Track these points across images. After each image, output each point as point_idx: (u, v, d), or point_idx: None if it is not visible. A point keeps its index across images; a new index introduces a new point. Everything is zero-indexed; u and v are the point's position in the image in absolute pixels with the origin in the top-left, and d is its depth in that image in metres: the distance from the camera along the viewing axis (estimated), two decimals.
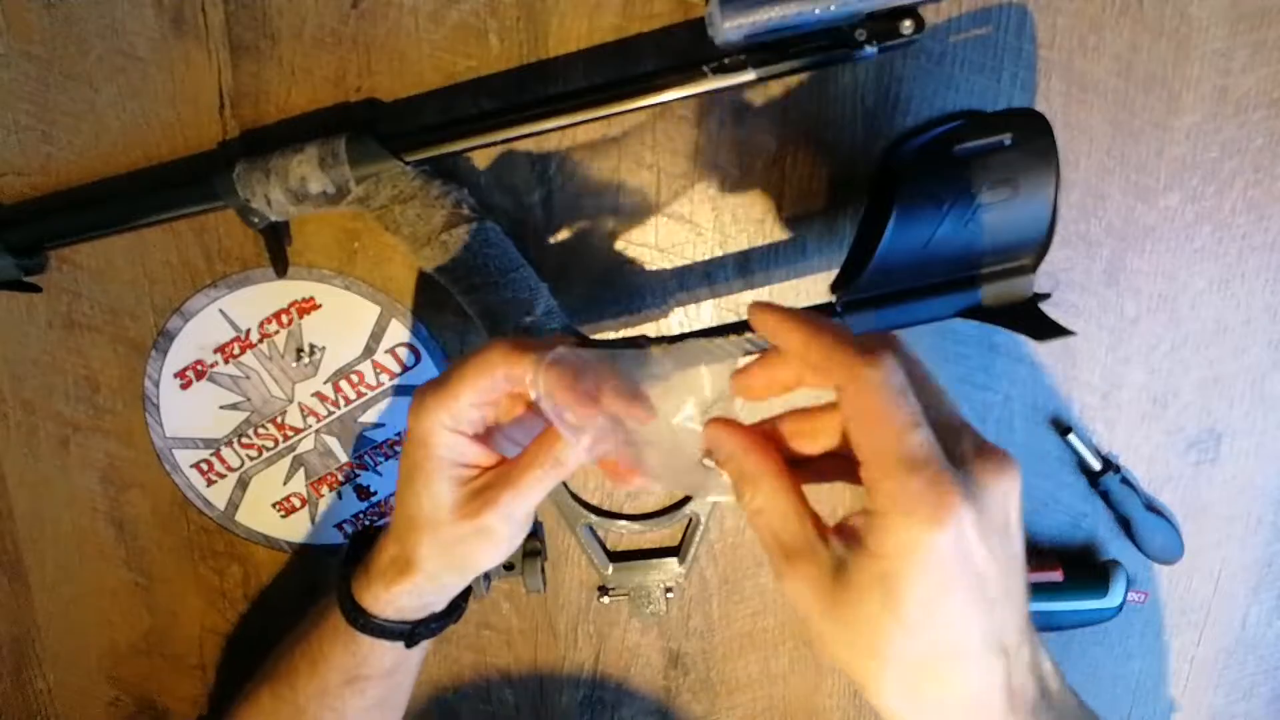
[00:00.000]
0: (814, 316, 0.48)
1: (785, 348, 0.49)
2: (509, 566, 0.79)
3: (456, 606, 0.67)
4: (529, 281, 0.69)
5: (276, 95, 0.72)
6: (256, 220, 0.69)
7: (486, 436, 0.57)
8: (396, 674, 0.69)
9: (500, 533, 0.57)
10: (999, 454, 0.43)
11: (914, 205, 0.61)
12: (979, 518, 0.40)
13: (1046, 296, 0.65)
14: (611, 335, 0.75)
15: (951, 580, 0.41)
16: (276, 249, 0.72)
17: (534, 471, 0.55)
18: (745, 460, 0.49)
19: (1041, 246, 0.63)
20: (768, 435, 0.51)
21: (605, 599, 0.82)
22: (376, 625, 0.63)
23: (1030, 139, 0.61)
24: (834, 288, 0.70)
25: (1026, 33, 0.69)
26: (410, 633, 0.64)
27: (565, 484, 0.80)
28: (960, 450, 0.43)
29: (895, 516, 0.41)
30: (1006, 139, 0.61)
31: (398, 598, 0.62)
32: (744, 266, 0.75)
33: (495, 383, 0.53)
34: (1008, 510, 0.42)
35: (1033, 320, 0.63)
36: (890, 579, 0.41)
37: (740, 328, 0.67)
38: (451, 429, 0.55)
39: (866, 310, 0.65)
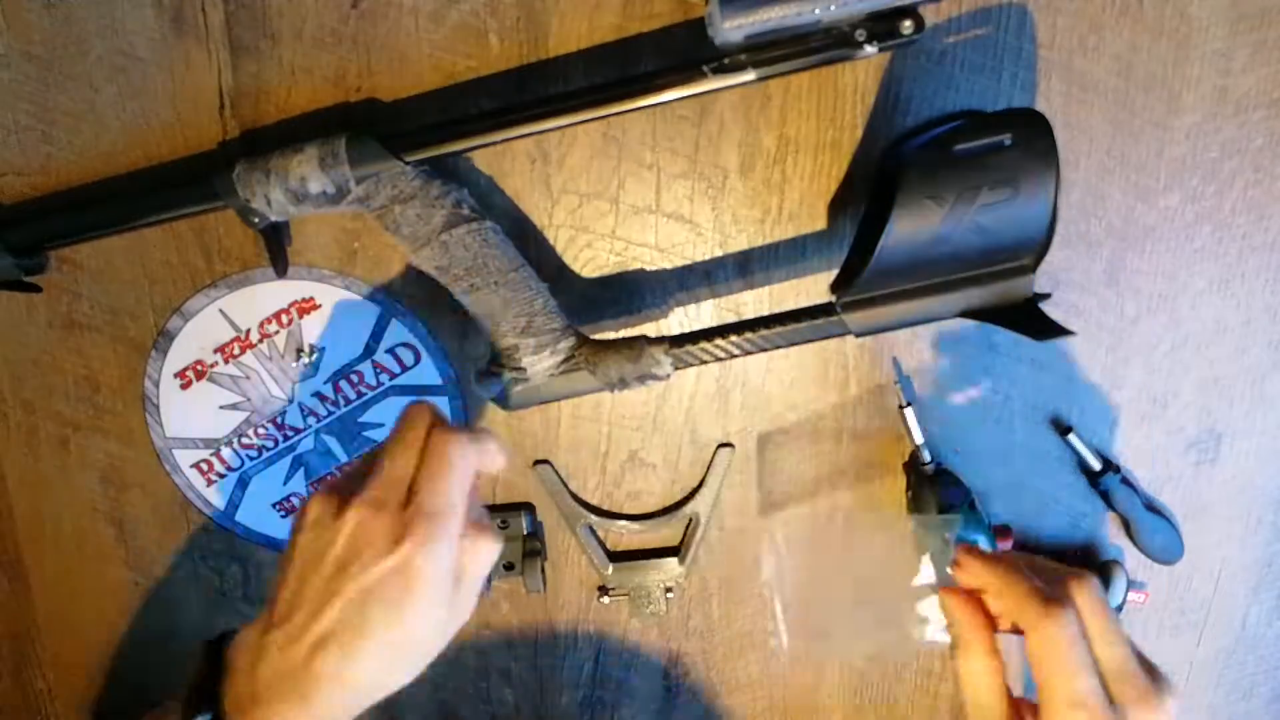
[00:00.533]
0: (1011, 565, 0.57)
1: (986, 590, 0.59)
2: (509, 566, 0.79)
3: None
4: (529, 281, 0.69)
5: (276, 95, 0.72)
6: (256, 220, 0.69)
7: None
8: None
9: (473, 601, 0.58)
10: (1153, 699, 0.53)
11: (914, 205, 0.61)
12: None
13: (1046, 296, 0.65)
14: (611, 335, 0.75)
15: None
16: (276, 249, 0.71)
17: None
18: (969, 629, 0.58)
19: (1041, 246, 0.63)
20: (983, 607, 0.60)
21: (605, 599, 0.82)
22: None
23: (1030, 139, 0.61)
24: (834, 287, 0.70)
25: (1026, 33, 0.69)
26: None
27: (565, 484, 0.80)
28: (1124, 692, 0.53)
29: None
30: (1006, 139, 0.61)
31: None
32: (744, 266, 0.75)
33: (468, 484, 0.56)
34: None
35: (1033, 320, 0.64)
36: None
37: (740, 328, 0.67)
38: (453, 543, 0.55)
39: (866, 310, 0.65)
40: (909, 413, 0.76)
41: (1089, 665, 0.53)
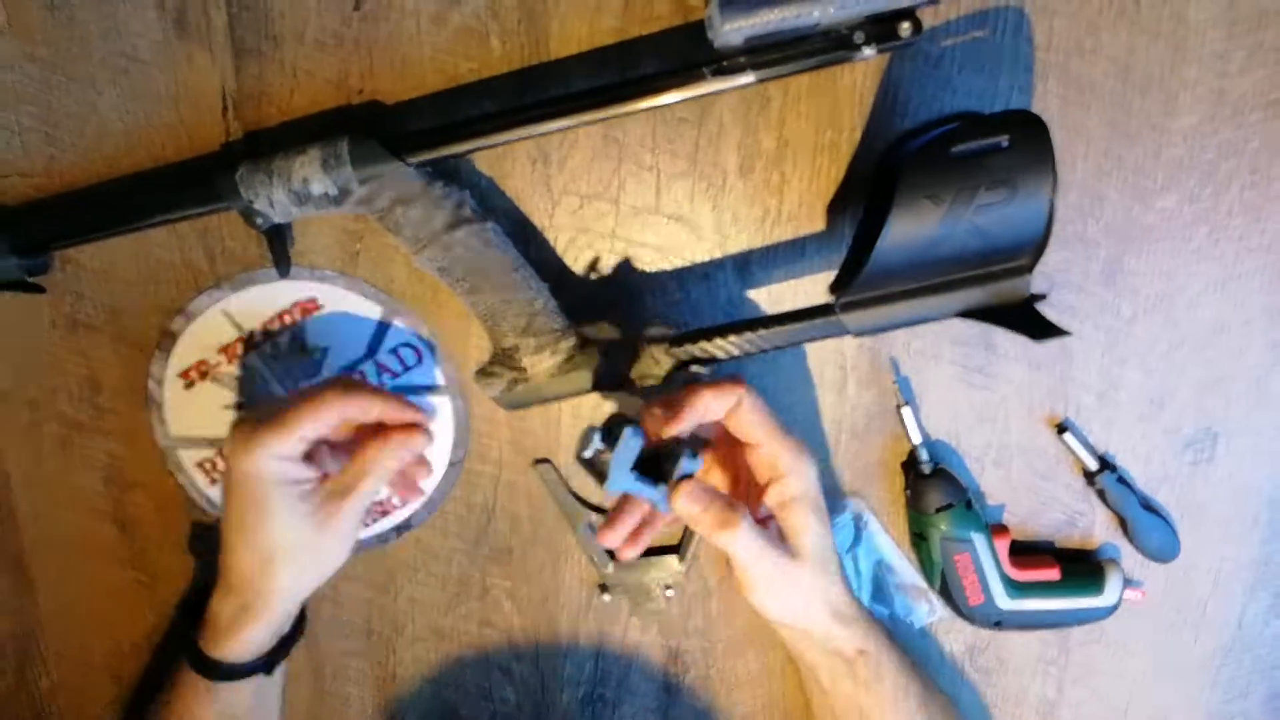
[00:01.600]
0: (678, 400, 0.65)
1: (691, 417, 0.65)
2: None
3: (299, 622, 0.75)
4: (530, 282, 0.69)
5: (279, 97, 0.72)
6: (259, 222, 0.69)
7: (309, 456, 0.67)
8: (263, 703, 0.73)
9: (351, 534, 0.68)
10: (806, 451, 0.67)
11: (912, 206, 0.61)
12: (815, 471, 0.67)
13: (1043, 297, 0.66)
14: (611, 336, 0.76)
15: (818, 504, 0.68)
16: (279, 250, 0.72)
17: (374, 475, 0.67)
18: (706, 519, 0.66)
19: (1038, 247, 0.63)
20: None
21: (605, 597, 0.83)
22: (234, 669, 0.69)
23: (1027, 140, 0.62)
24: (833, 288, 0.70)
25: (1024, 35, 0.70)
26: (268, 662, 0.71)
27: (565, 483, 0.80)
28: (787, 445, 0.67)
29: (802, 473, 0.66)
30: (1004, 140, 0.61)
31: (251, 639, 0.68)
32: (743, 267, 0.75)
33: (333, 417, 0.64)
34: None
35: (1030, 320, 0.64)
36: (810, 519, 0.67)
37: (739, 328, 0.67)
38: (282, 458, 0.64)
39: (864, 310, 0.65)
40: (906, 412, 0.76)
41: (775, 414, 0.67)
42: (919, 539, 0.79)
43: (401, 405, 0.68)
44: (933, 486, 0.76)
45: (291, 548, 0.66)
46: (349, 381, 0.67)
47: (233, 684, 0.70)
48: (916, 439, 0.76)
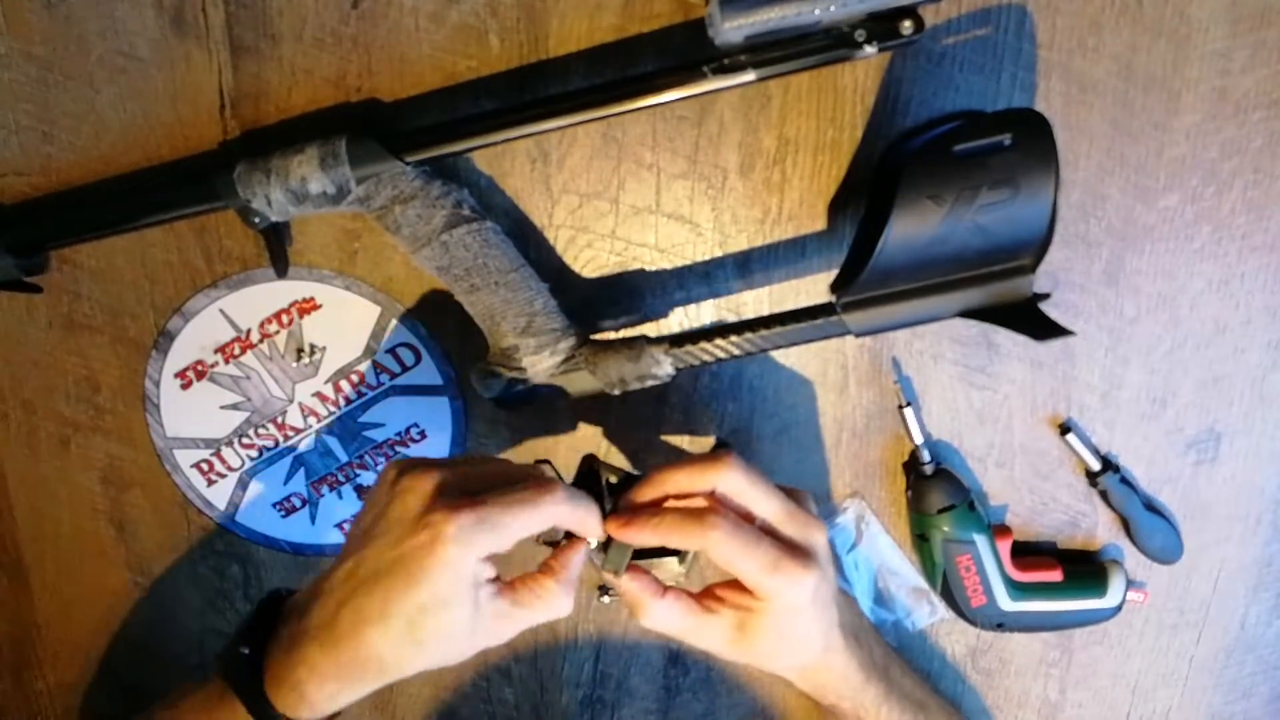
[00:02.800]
0: (651, 516, 0.62)
1: (651, 543, 0.63)
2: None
3: None
4: (529, 281, 0.69)
5: (277, 96, 0.72)
6: (257, 220, 0.69)
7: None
8: None
9: (505, 637, 0.61)
10: (812, 522, 0.63)
11: (914, 205, 0.61)
12: (820, 571, 0.62)
13: (1046, 296, 0.65)
14: (611, 336, 0.75)
15: (813, 610, 0.62)
16: (277, 249, 0.71)
17: (561, 605, 0.62)
18: (643, 594, 0.64)
19: (1041, 246, 0.63)
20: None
21: (605, 598, 0.82)
22: None
23: (1030, 139, 0.61)
24: (834, 288, 0.70)
25: (1026, 33, 0.69)
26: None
27: (565, 484, 0.80)
28: (796, 530, 0.62)
29: (776, 596, 0.61)
30: (1006, 139, 0.61)
31: (342, 705, 0.60)
32: (744, 267, 0.75)
33: (545, 525, 0.60)
34: (828, 550, 0.64)
35: (1032, 320, 0.64)
36: (781, 627, 0.63)
37: (739, 328, 0.67)
38: (487, 560, 0.58)
39: (866, 310, 0.65)
40: (909, 413, 0.76)
41: (759, 538, 0.61)
42: (921, 540, 0.78)
43: (589, 513, 0.62)
44: (935, 487, 0.76)
45: (449, 636, 0.58)
46: (567, 493, 0.60)
47: None
48: (918, 439, 0.76)
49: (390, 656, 0.57)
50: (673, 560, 0.78)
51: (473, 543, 0.55)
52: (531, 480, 0.60)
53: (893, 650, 0.76)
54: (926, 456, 0.76)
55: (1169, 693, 0.85)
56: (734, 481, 0.62)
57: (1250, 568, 0.81)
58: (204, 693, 0.63)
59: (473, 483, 0.59)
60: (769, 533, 0.62)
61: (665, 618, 0.64)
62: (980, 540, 0.76)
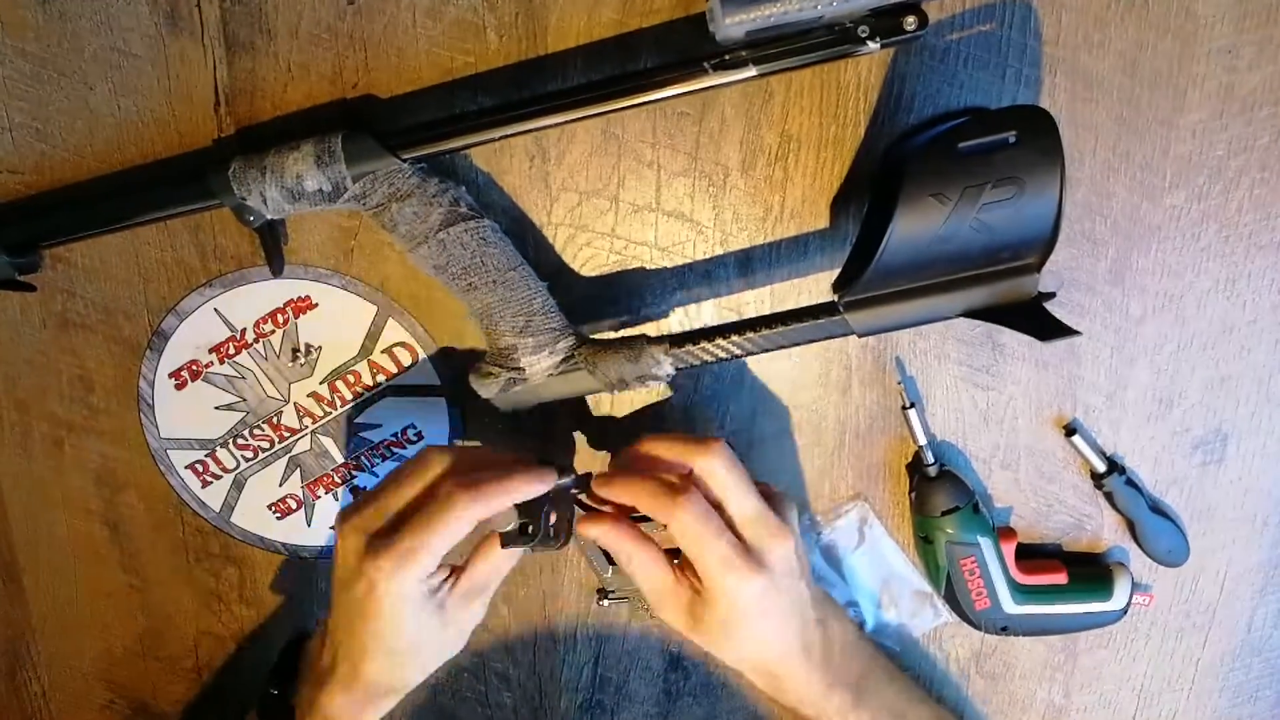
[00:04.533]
0: (632, 479, 0.65)
1: (625, 502, 0.66)
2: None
3: None
4: (528, 280, 0.68)
5: (272, 92, 0.71)
6: (252, 219, 0.68)
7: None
8: None
9: (480, 614, 0.70)
10: (778, 528, 0.64)
11: (917, 203, 0.60)
12: (771, 578, 0.63)
13: (1051, 296, 0.64)
14: (611, 335, 0.75)
15: (759, 614, 0.64)
16: (272, 247, 0.71)
17: (503, 570, 0.70)
18: (617, 541, 0.66)
19: (1047, 245, 0.62)
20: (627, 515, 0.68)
21: (605, 602, 0.82)
22: None
23: (1035, 136, 0.60)
24: (836, 287, 0.69)
25: (1031, 29, 0.69)
26: None
27: None
28: (759, 535, 0.64)
29: (721, 592, 0.63)
30: (1011, 136, 0.60)
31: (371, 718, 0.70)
32: (745, 265, 0.74)
33: (468, 528, 0.63)
34: (790, 561, 0.65)
35: (1038, 320, 0.63)
36: (727, 621, 0.64)
37: (741, 328, 0.66)
38: (423, 580, 0.64)
39: (869, 309, 0.64)
40: (912, 414, 0.75)
41: (721, 530, 0.63)
42: (924, 542, 0.77)
43: (526, 479, 0.65)
44: (939, 489, 0.75)
45: (426, 645, 0.68)
46: (472, 483, 0.63)
47: None
48: (922, 440, 0.75)
49: (395, 680, 0.68)
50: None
51: (403, 577, 0.62)
52: (448, 488, 0.63)
53: (882, 658, 0.74)
54: (930, 458, 0.75)
55: (1174, 697, 0.84)
56: (713, 469, 0.64)
57: (1257, 570, 0.81)
58: None
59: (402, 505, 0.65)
60: (734, 530, 0.64)
61: (643, 565, 0.66)
62: (985, 542, 0.75)
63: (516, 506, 0.65)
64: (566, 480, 0.68)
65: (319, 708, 0.68)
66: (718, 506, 0.64)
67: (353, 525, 0.64)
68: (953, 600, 0.78)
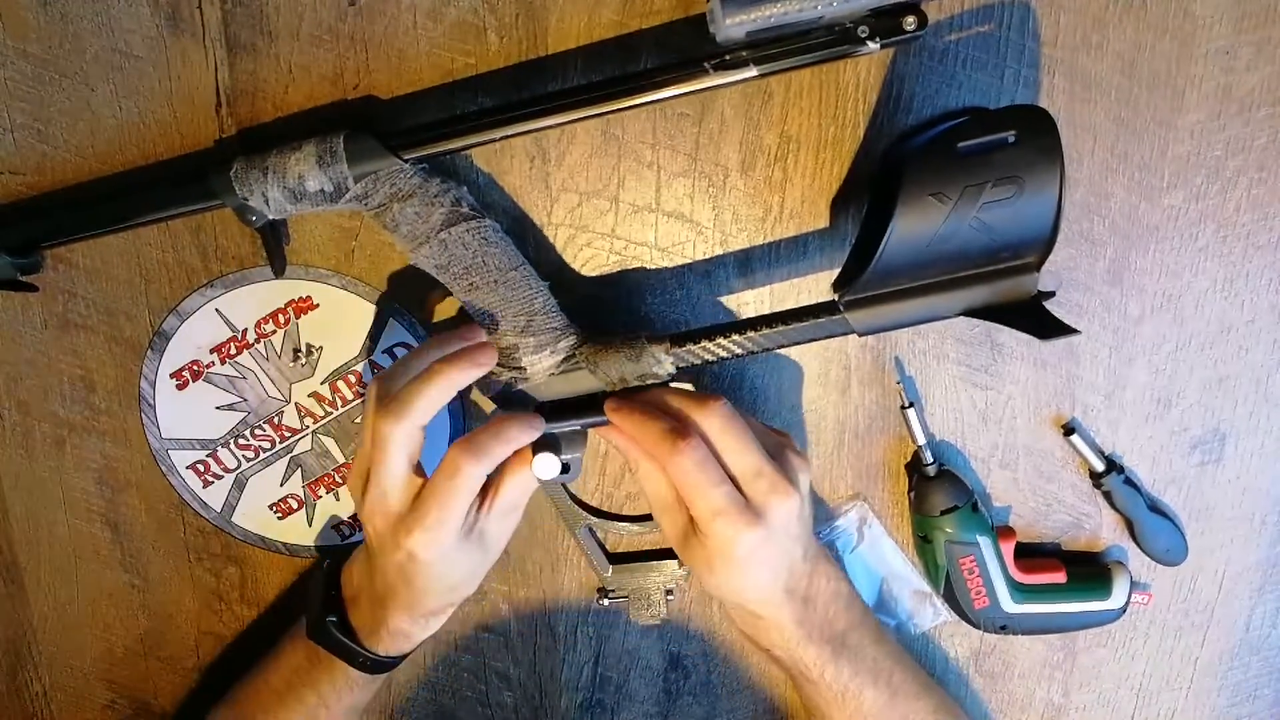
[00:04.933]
0: (643, 412, 0.66)
1: (628, 436, 0.67)
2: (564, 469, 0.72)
3: None
4: (529, 280, 0.68)
5: (274, 93, 0.71)
6: (254, 219, 0.68)
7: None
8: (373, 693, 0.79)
9: (516, 522, 0.71)
10: (783, 486, 0.64)
11: (917, 202, 0.60)
12: (767, 532, 0.64)
13: (1051, 295, 0.64)
14: (611, 335, 0.75)
15: (746, 561, 0.65)
16: (274, 248, 0.71)
17: (526, 489, 0.70)
18: (632, 450, 0.67)
19: (1046, 244, 0.62)
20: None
21: (605, 601, 0.82)
22: (399, 659, 0.74)
23: (1034, 135, 0.60)
24: (836, 286, 0.69)
25: (1029, 30, 0.69)
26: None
27: (565, 486, 0.79)
28: (758, 490, 0.64)
29: (711, 534, 0.64)
30: (1010, 136, 0.60)
31: (430, 632, 0.73)
32: (745, 266, 0.74)
33: (476, 485, 0.66)
34: (788, 521, 0.65)
35: (1037, 319, 0.63)
36: (712, 560, 0.65)
37: (741, 327, 0.66)
38: (451, 535, 0.66)
39: (869, 308, 0.64)
40: (911, 414, 0.75)
41: (719, 479, 0.63)
42: (923, 542, 0.78)
43: (522, 425, 0.67)
44: (938, 488, 0.75)
45: (474, 570, 0.70)
46: (471, 443, 0.65)
47: (383, 675, 0.75)
48: (920, 440, 0.75)
49: (454, 596, 0.72)
50: (673, 563, 0.78)
51: (436, 543, 0.65)
52: (453, 454, 0.65)
53: (873, 619, 0.73)
54: (929, 457, 0.76)
55: (1173, 696, 0.84)
56: (710, 425, 0.64)
57: (1255, 569, 0.81)
58: (298, 659, 0.75)
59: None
60: (736, 484, 0.65)
61: (649, 474, 0.67)
62: (984, 542, 0.75)
63: (551, 448, 0.68)
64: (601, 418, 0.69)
65: (387, 626, 0.70)
66: (721, 461, 0.65)
67: (370, 508, 0.67)
68: (952, 599, 0.78)
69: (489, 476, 0.67)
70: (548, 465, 0.68)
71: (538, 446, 0.68)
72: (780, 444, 0.68)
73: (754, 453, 0.64)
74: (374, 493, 0.66)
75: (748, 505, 0.64)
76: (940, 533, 0.76)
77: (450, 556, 0.67)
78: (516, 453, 0.68)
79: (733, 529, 0.63)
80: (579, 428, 0.70)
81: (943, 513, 0.75)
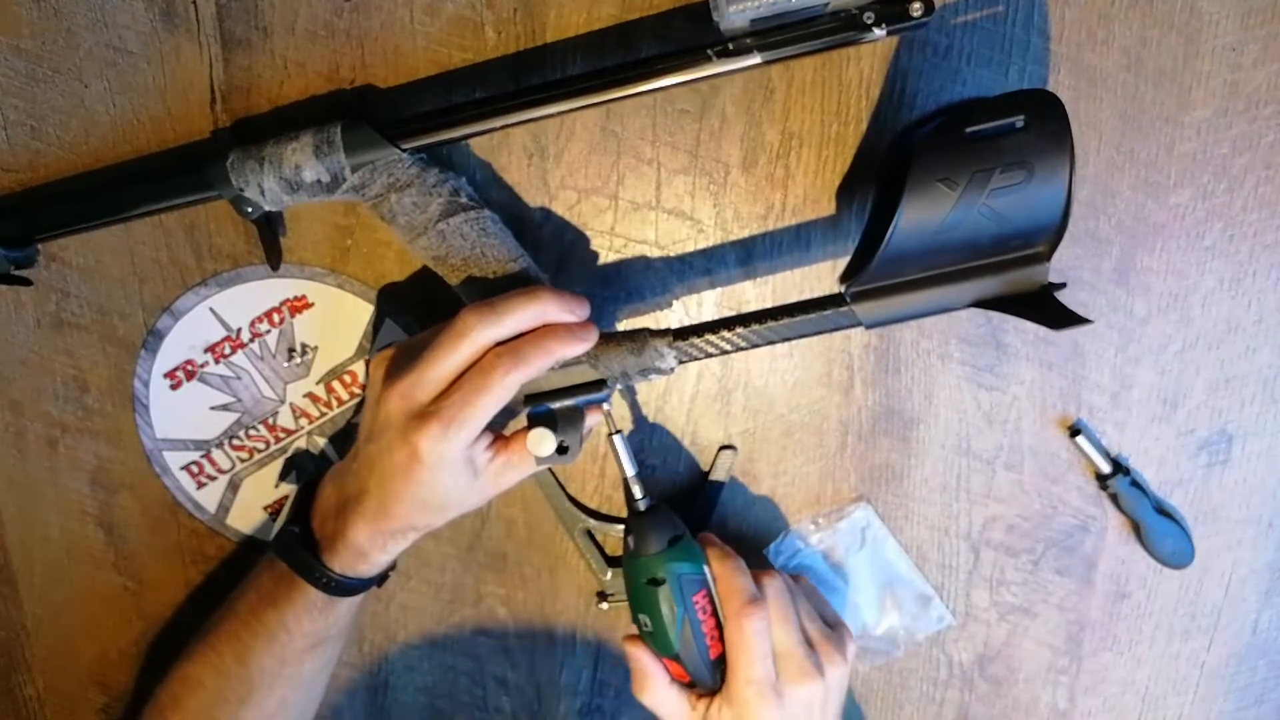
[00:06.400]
0: (733, 561, 0.70)
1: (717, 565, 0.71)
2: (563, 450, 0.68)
3: None
4: (529, 272, 0.67)
5: (269, 89, 0.71)
6: (250, 210, 0.67)
7: None
8: (351, 625, 0.75)
9: (511, 484, 0.69)
10: (809, 671, 0.68)
11: (925, 189, 0.60)
12: (781, 715, 0.67)
13: (1062, 286, 0.63)
14: (614, 330, 0.74)
15: None
16: (270, 240, 0.70)
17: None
18: (643, 667, 0.71)
19: (1056, 232, 0.61)
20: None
21: (604, 605, 0.81)
22: (357, 583, 0.70)
23: (1043, 121, 0.60)
24: (844, 278, 0.68)
25: (1034, 26, 0.68)
26: (386, 574, 0.74)
27: (564, 488, 0.79)
28: (786, 670, 0.68)
29: (738, 700, 0.68)
30: (1019, 121, 0.59)
31: (388, 560, 0.71)
32: (746, 262, 0.74)
33: (512, 392, 0.63)
34: (808, 705, 0.68)
35: (1048, 309, 0.62)
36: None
37: (746, 320, 0.65)
38: (470, 446, 0.64)
39: (877, 300, 0.63)
40: (618, 440, 0.71)
41: (767, 654, 0.67)
42: (651, 587, 0.69)
43: (567, 340, 0.65)
44: (654, 524, 0.70)
45: (455, 502, 0.68)
46: (512, 350, 0.63)
47: (347, 599, 0.71)
48: (630, 471, 0.71)
49: (419, 520, 0.68)
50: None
51: (447, 445, 0.63)
52: (490, 357, 0.63)
53: None
54: (639, 492, 0.71)
55: (1180, 700, 0.83)
56: (769, 595, 0.69)
57: (1262, 572, 0.80)
58: (263, 578, 0.72)
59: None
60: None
61: (664, 702, 0.71)
62: (708, 573, 0.70)
63: (549, 425, 0.66)
64: (599, 394, 0.68)
65: (345, 538, 0.68)
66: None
67: (398, 390, 0.64)
68: (688, 654, 0.69)
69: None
70: (544, 442, 0.65)
71: (534, 421, 0.66)
72: (825, 631, 0.71)
73: (794, 633, 0.69)
74: (413, 377, 0.63)
75: (774, 683, 0.68)
76: (670, 569, 0.69)
77: (445, 468, 0.64)
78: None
79: (758, 700, 0.67)
80: (575, 404, 0.68)
81: (670, 543, 0.69)
